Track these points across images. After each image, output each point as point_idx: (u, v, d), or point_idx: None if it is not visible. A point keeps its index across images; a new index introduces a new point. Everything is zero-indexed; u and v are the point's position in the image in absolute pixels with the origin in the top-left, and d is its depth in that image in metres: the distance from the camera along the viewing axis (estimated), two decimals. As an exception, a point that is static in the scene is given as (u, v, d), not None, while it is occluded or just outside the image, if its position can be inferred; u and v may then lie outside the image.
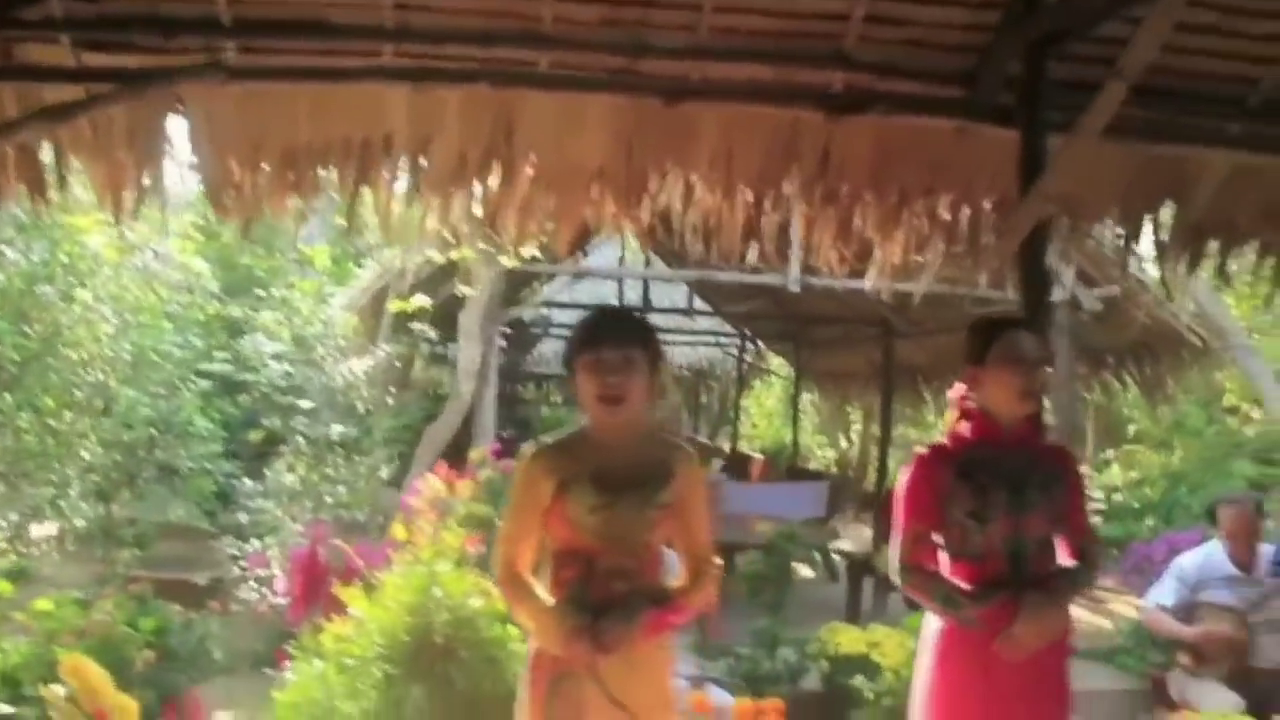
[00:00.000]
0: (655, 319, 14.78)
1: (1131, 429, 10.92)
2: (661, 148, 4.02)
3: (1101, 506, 9.67)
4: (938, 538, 2.99)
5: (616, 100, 3.93)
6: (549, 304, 15.09)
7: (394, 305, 6.88)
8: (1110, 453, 11.01)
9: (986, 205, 4.13)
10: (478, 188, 4.05)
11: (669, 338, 15.93)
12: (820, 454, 17.17)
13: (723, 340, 16.47)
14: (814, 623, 6.77)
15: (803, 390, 15.32)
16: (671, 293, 15.13)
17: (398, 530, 4.16)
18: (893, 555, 3.02)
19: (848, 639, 6.32)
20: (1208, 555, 5.15)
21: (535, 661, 2.78)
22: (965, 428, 3.04)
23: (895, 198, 4.09)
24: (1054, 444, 3.25)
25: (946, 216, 4.17)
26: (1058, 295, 7.71)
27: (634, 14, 3.75)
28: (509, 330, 14.52)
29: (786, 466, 13.65)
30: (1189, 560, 5.17)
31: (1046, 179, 3.26)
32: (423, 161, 4.00)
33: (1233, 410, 9.21)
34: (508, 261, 6.25)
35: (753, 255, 4.34)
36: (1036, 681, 2.91)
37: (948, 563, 2.99)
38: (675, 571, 2.92)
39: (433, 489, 4.03)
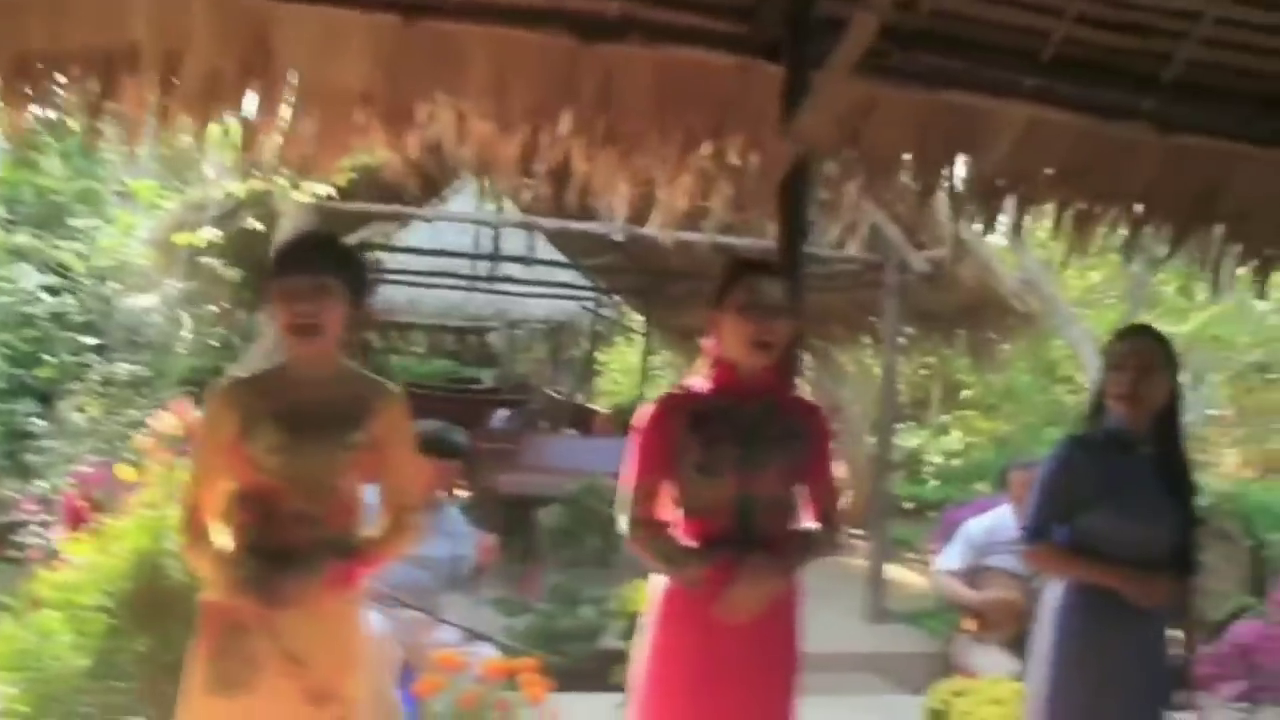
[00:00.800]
0: (510, 269, 14.53)
1: (967, 394, 11.02)
2: (428, 74, 3.74)
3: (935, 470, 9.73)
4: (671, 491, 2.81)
5: (376, 19, 3.65)
6: (386, 248, 14.68)
7: (178, 239, 6.48)
8: (946, 417, 11.11)
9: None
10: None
11: (522, 289, 15.66)
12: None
13: (582, 295, 16.25)
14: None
15: (659, 347, 15.21)
16: (535, 243, 14.83)
17: (124, 471, 3.87)
18: (621, 510, 2.84)
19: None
20: (996, 520, 5.10)
21: (206, 612, 2.57)
22: (705, 377, 2.86)
23: (681, 138, 3.89)
24: (801, 398, 3.09)
25: (737, 161, 4.00)
26: (894, 256, 7.66)
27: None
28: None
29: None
30: (977, 525, 5.13)
31: (798, 118, 3.08)
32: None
33: (1066, 379, 9.29)
34: (302, 197, 5.94)
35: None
36: (760, 645, 2.76)
37: (680, 519, 2.81)
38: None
39: (167, 427, 3.72)
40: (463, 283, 14.70)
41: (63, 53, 3.64)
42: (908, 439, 11.73)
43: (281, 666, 2.51)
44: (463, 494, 4.75)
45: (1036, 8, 3.83)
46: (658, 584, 2.86)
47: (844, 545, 3.01)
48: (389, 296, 17.25)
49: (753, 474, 2.76)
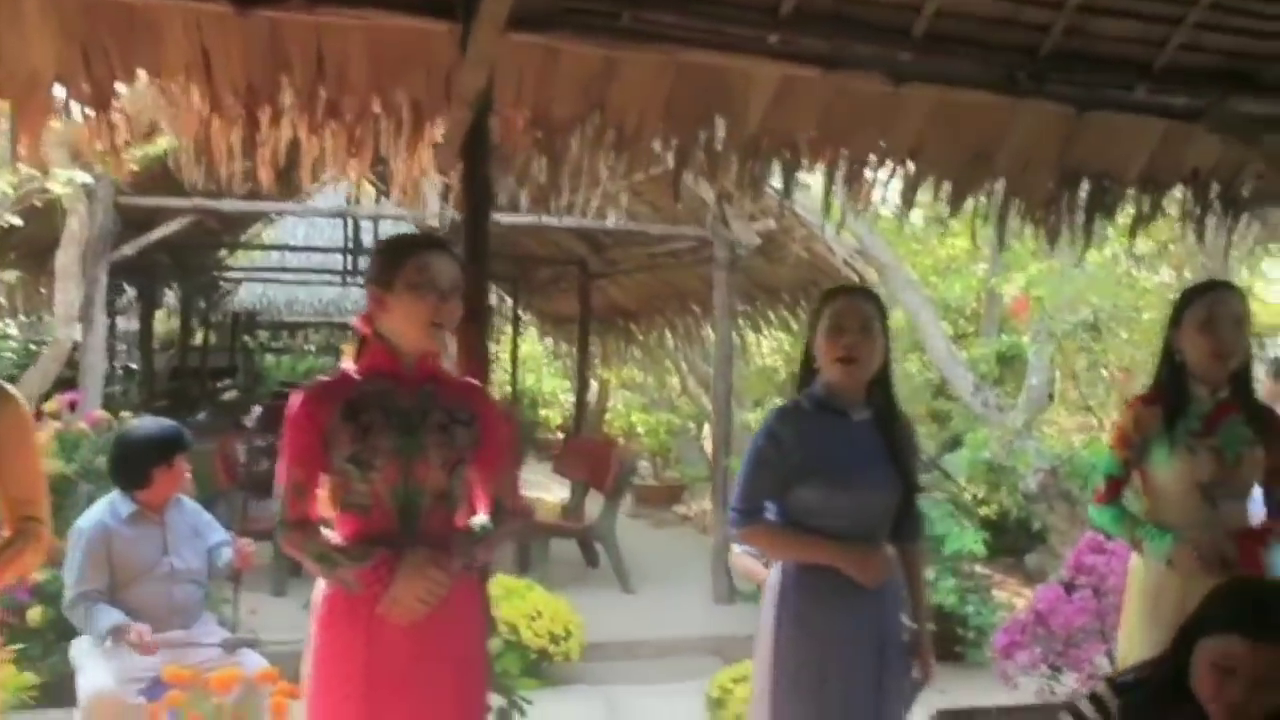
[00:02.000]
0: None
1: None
2: (126, 51, 3.47)
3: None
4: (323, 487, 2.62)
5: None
6: (253, 247, 14.30)
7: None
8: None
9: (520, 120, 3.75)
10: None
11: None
12: (563, 400, 16.89)
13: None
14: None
15: (528, 333, 15.01)
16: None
17: None
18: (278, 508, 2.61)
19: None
20: None
21: None
22: (361, 360, 2.65)
23: (406, 112, 3.64)
24: (469, 382, 2.88)
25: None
26: (721, 231, 7.48)
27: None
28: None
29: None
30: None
31: (461, 76, 2.85)
32: None
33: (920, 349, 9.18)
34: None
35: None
36: (431, 647, 2.56)
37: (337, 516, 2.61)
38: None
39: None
40: (334, 279, 14.35)
41: None
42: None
43: None
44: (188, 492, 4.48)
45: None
46: (317, 588, 2.64)
47: (520, 534, 2.81)
48: (263, 295, 16.88)
49: (412, 464, 2.56)
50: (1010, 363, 9.56)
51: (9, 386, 2.57)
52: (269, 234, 14.92)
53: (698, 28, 3.64)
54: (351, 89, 3.56)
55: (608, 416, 14.61)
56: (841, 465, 2.96)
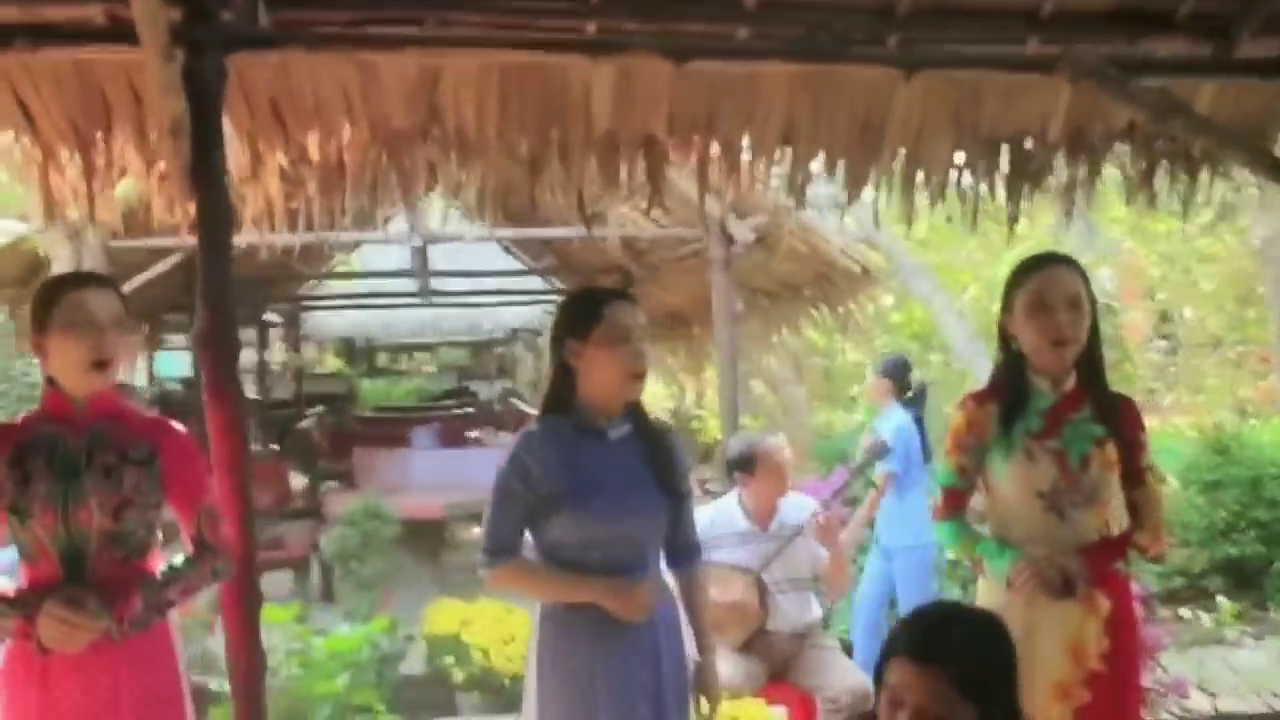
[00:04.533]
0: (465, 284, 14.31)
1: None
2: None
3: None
4: None
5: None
6: (337, 276, 14.57)
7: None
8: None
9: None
10: None
11: (486, 300, 15.43)
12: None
13: (546, 299, 15.92)
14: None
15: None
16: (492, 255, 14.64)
17: None
18: None
19: (443, 617, 5.91)
20: (719, 510, 4.67)
21: None
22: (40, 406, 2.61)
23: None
24: (156, 419, 2.77)
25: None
26: (714, 228, 7.26)
27: None
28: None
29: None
30: (700, 515, 4.68)
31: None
32: None
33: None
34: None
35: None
36: (106, 696, 2.49)
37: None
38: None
39: None
40: (416, 300, 14.52)
41: None
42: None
43: None
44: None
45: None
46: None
47: (230, 571, 2.68)
48: (357, 321, 17.23)
49: (72, 509, 2.49)
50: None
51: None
52: (354, 262, 15.24)
53: (508, 24, 3.50)
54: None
55: (694, 425, 14.37)
56: (595, 493, 2.69)
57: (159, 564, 2.60)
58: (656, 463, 2.79)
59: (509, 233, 9.48)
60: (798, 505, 4.57)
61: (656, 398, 16.45)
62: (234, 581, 2.73)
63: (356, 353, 22.02)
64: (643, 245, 9.67)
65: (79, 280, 2.68)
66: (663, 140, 3.83)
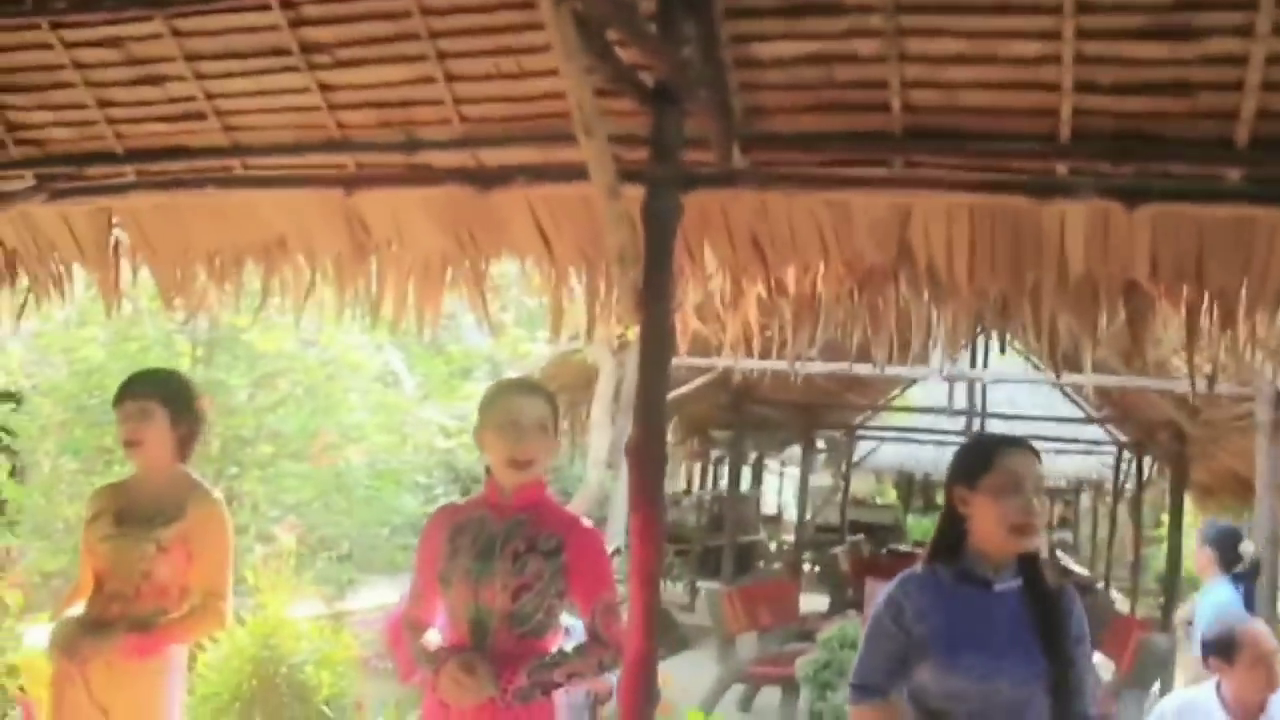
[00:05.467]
0: (1019, 428, 13.89)
1: None
2: (488, 235, 4.11)
3: None
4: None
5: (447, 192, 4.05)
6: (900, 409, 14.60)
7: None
8: None
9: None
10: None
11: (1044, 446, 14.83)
12: None
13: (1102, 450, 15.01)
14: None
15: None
16: (1047, 399, 14.19)
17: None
18: None
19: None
20: (1192, 700, 4.13)
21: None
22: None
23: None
24: (565, 514, 3.03)
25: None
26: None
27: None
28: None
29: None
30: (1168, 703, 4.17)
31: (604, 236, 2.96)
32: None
33: None
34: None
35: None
36: None
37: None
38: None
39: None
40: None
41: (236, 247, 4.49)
42: None
43: (90, 712, 3.17)
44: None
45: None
46: None
47: (617, 665, 2.83)
48: (913, 455, 17.27)
49: (481, 587, 2.82)
50: None
51: (214, 491, 3.33)
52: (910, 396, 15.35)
53: (975, 165, 3.50)
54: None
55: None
56: (965, 643, 2.60)
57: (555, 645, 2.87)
58: (1045, 623, 2.62)
59: (1054, 377, 9.08)
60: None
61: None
62: (631, 678, 2.91)
63: (913, 486, 22.02)
64: (1198, 401, 8.87)
65: (512, 387, 3.07)
66: (1147, 287, 3.62)
